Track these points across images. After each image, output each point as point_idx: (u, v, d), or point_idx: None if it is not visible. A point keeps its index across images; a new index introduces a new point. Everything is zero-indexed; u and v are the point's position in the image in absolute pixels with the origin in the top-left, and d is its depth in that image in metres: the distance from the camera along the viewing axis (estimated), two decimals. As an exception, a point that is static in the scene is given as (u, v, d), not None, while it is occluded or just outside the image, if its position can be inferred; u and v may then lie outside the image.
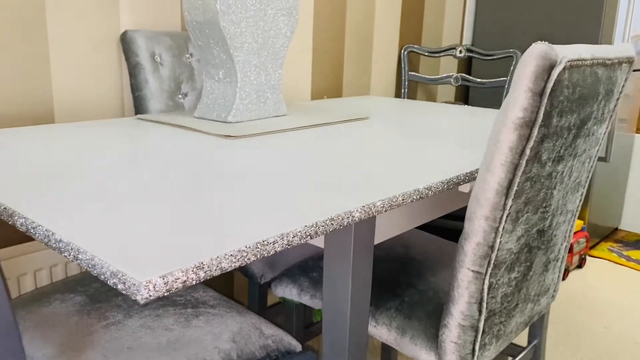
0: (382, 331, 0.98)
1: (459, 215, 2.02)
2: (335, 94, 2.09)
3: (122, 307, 0.94)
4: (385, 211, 0.75)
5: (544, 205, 0.89)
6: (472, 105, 2.65)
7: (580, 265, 2.53)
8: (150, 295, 0.50)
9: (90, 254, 0.55)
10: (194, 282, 0.53)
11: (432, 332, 0.95)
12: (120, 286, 0.51)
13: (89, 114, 1.37)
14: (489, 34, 2.57)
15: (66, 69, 1.31)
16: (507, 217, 0.82)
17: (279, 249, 0.61)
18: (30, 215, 0.64)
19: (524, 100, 0.75)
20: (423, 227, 1.97)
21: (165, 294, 0.51)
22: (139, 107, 1.37)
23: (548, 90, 0.75)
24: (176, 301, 0.98)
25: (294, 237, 0.63)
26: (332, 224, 0.68)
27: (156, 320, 0.91)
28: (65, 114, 1.33)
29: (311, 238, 0.65)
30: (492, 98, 2.58)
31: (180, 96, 1.44)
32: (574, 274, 2.46)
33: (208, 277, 0.54)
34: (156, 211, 0.68)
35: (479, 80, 2.22)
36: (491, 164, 0.79)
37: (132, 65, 1.35)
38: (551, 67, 0.74)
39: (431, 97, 2.55)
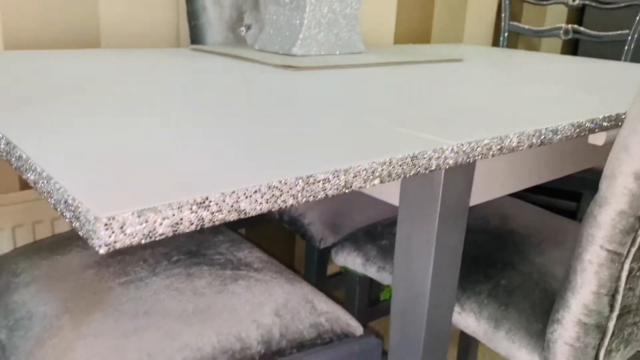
0: (468, 320, 0.76)
1: (562, 190, 1.73)
2: (422, 41, 1.83)
3: (147, 262, 0.78)
4: (492, 156, 0.53)
5: None
6: (581, 66, 2.29)
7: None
8: (115, 241, 0.31)
9: (46, 174, 0.37)
10: (193, 226, 0.34)
11: (537, 328, 0.72)
12: (75, 224, 0.33)
13: (139, 42, 1.21)
14: (608, -17, 2.19)
15: (116, -9, 1.16)
16: (668, 177, 0.57)
17: (331, 192, 0.41)
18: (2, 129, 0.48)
19: None
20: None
21: (146, 240, 0.33)
22: (195, 38, 1.19)
23: None
24: (214, 260, 0.80)
25: (354, 176, 0.42)
26: (414, 165, 0.46)
27: (186, 280, 0.74)
28: (112, 41, 1.18)
29: (381, 182, 0.44)
30: (607, 56, 2.21)
31: (242, 29, 1.25)
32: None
33: (217, 222, 0.35)
34: (167, 136, 0.49)
35: (594, 33, 1.88)
36: (654, 97, 0.54)
37: (190, -11, 1.17)
38: None
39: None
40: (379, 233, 0.92)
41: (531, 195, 1.85)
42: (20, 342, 0.63)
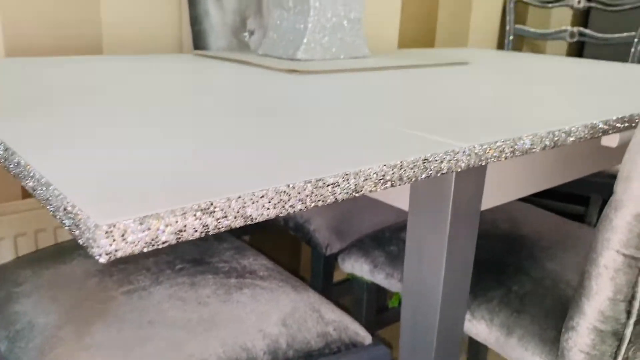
0: (479, 328, 0.74)
1: (570, 194, 1.71)
2: (426, 45, 1.82)
3: (151, 271, 0.76)
4: (505, 158, 0.51)
5: None
6: (586, 70, 2.27)
7: None
8: (116, 250, 0.30)
9: (45, 180, 0.35)
10: (197, 234, 0.33)
11: (551, 335, 0.70)
12: (75, 232, 0.31)
13: (142, 48, 1.20)
14: (613, -15, 2.17)
15: (119, -3, 1.15)
16: (686, 179, 0.55)
17: (341, 196, 0.39)
18: (-1, 133, 0.46)
19: None
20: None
21: (148, 248, 0.31)
22: (198, 43, 1.18)
23: None
24: (218, 268, 0.79)
25: (365, 180, 0.40)
26: (425, 168, 0.45)
27: (190, 289, 0.73)
28: (114, 47, 1.17)
29: (392, 185, 0.43)
30: (613, 58, 2.19)
31: (245, 34, 1.24)
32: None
33: (222, 228, 0.33)
34: (169, 141, 0.48)
35: (600, 35, 1.87)
36: (670, 96, 0.53)
37: (192, -6, 1.16)
38: None
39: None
40: (386, 239, 0.90)
41: (538, 199, 1.83)
42: (22, 353, 0.62)
